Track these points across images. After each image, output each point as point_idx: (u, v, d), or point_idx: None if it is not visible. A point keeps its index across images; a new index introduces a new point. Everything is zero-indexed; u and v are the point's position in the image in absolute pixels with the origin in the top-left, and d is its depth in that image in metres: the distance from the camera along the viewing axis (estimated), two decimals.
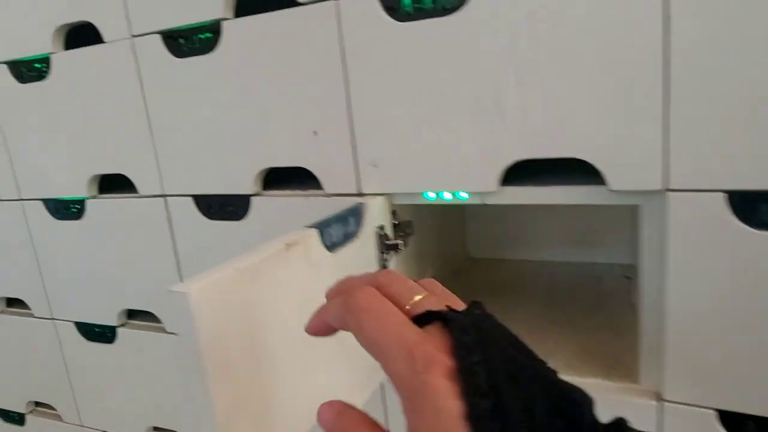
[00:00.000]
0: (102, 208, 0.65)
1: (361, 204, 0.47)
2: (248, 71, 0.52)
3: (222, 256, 0.59)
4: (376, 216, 0.48)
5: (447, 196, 0.48)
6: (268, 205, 0.55)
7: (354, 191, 0.50)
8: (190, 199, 0.59)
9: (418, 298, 0.23)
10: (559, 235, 0.77)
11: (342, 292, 0.24)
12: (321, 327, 0.25)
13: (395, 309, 0.22)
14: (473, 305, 0.23)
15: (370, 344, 0.22)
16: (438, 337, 0.20)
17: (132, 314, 0.71)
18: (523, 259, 0.79)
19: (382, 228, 0.49)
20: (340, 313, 0.23)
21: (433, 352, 0.20)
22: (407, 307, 0.22)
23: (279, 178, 0.57)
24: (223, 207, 0.58)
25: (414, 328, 0.21)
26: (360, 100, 0.48)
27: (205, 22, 0.52)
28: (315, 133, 0.50)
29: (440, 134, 0.45)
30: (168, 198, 0.61)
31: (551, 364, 0.21)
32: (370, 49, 0.46)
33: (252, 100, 0.52)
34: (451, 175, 0.46)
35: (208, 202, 0.59)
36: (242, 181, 0.55)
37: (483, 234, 0.82)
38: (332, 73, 0.48)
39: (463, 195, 0.47)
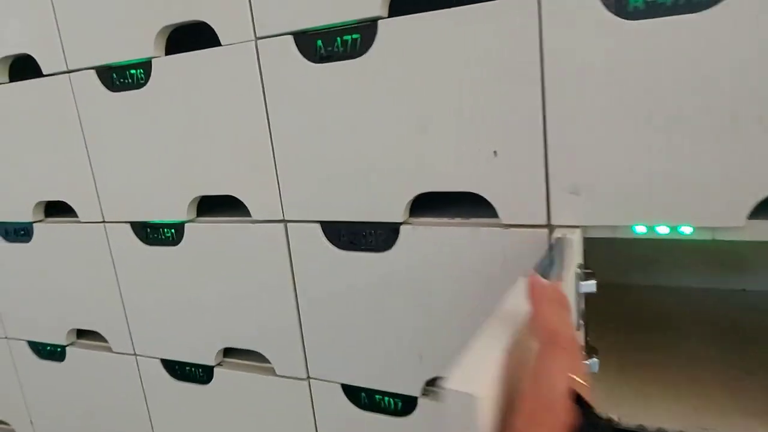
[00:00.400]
0: (202, 233, 0.57)
1: (565, 239, 0.39)
2: (405, 78, 0.44)
3: (358, 293, 0.51)
4: (576, 254, 0.40)
5: (662, 230, 0.40)
6: (420, 236, 0.47)
7: (541, 222, 0.42)
8: (316, 225, 0.51)
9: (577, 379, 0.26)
10: (695, 259, 0.69)
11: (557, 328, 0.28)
12: (529, 296, 0.30)
13: (566, 378, 0.25)
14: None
15: (537, 368, 0.26)
16: (574, 416, 0.24)
17: (227, 352, 0.63)
18: (655, 285, 0.71)
19: (580, 267, 0.41)
20: (542, 328, 0.28)
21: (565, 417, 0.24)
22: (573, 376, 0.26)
23: (420, 204, 0.49)
24: (361, 236, 0.50)
25: (565, 396, 0.25)
26: (560, 114, 0.40)
27: (351, 21, 0.44)
28: (495, 153, 0.42)
29: (669, 157, 0.37)
30: (289, 224, 0.53)
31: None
32: (581, 52, 0.38)
33: (409, 113, 0.44)
34: (677, 206, 0.38)
35: (340, 230, 0.51)
36: (389, 207, 0.47)
37: (605, 257, 0.73)
38: (525, 80, 0.40)
39: (686, 230, 0.39)
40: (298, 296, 0.54)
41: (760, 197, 0.36)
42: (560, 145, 0.40)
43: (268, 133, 0.51)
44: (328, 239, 0.51)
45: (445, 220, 0.47)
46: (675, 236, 0.40)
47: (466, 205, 0.47)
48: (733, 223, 0.37)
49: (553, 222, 0.42)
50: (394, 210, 0.47)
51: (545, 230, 0.42)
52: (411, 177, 0.46)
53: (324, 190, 0.50)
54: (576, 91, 0.39)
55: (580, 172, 0.40)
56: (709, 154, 0.36)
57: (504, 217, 0.43)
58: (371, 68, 0.45)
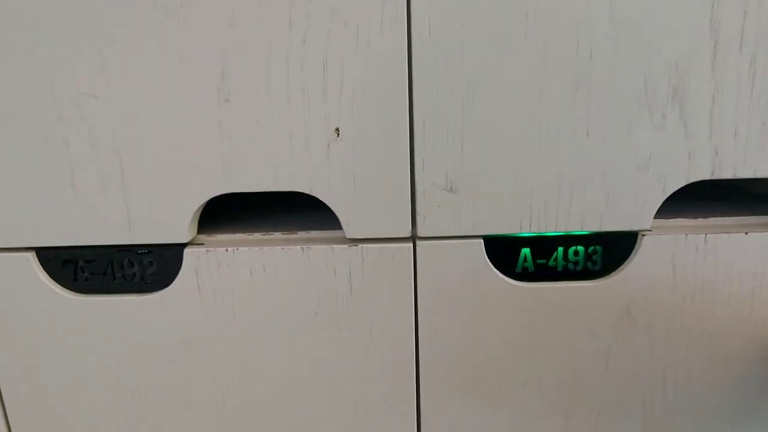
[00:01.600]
0: None
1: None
2: (201, 12, 0.27)
3: (113, 366, 0.31)
4: None
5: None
6: (218, 262, 0.30)
7: (404, 234, 0.29)
8: (28, 255, 0.30)
9: None
10: None
11: None
12: None
13: None
14: None
15: None
16: None
17: None
18: None
19: None
20: None
21: None
22: None
23: (217, 214, 0.32)
24: (114, 269, 0.30)
25: None
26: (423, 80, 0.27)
27: None
28: (336, 132, 0.28)
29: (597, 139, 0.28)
30: None
31: None
32: None
33: (200, 62, 0.27)
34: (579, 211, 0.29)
35: (75, 261, 0.30)
36: (165, 219, 0.29)
37: None
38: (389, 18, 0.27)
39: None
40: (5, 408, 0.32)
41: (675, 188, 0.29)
42: (431, 122, 0.28)
43: None
44: (53, 277, 0.30)
45: (257, 236, 0.31)
46: None
47: (293, 211, 0.32)
48: (645, 225, 0.29)
49: (422, 233, 0.29)
50: (174, 223, 0.29)
51: (408, 245, 0.29)
52: (201, 169, 0.28)
53: (41, 195, 0.29)
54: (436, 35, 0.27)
55: (459, 161, 0.28)
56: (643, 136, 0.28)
57: (350, 228, 0.29)
58: None
